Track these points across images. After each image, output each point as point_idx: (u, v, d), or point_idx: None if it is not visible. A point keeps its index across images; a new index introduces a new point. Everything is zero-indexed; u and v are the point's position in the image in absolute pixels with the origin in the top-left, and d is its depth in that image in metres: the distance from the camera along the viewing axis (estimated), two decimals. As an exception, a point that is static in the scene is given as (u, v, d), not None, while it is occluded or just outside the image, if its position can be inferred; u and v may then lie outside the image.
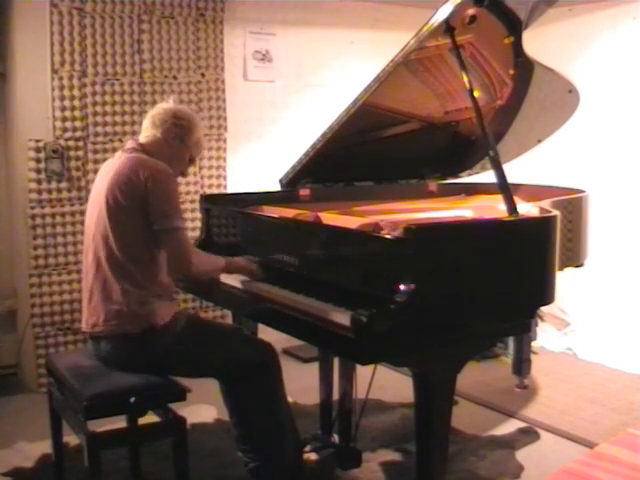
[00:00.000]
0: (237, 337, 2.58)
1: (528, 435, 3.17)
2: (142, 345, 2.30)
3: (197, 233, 3.18)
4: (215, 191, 4.25)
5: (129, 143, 2.48)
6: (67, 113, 3.79)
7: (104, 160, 3.85)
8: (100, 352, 2.38)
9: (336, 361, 2.88)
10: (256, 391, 2.41)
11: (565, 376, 3.98)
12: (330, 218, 2.60)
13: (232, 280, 2.58)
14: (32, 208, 3.74)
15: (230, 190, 4.31)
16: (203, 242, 3.00)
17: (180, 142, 2.47)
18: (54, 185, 3.79)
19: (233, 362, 2.40)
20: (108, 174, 2.37)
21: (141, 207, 2.29)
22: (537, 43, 3.02)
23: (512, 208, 2.29)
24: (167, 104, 2.52)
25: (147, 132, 2.48)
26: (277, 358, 2.49)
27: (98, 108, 3.88)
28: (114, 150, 3.91)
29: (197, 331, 2.43)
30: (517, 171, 3.11)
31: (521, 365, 3.68)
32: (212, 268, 2.50)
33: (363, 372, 2.53)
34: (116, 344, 2.32)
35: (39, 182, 3.75)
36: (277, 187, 3.08)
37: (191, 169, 2.85)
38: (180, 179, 2.70)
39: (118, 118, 3.95)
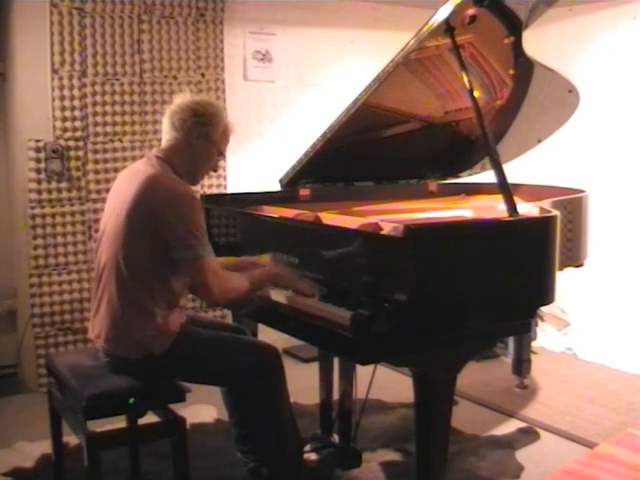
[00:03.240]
0: (238, 344, 2.47)
1: (528, 435, 3.16)
2: (140, 369, 2.25)
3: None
4: (215, 191, 4.24)
5: (154, 151, 2.37)
6: (67, 113, 3.78)
7: (104, 160, 3.91)
8: (100, 359, 2.35)
9: (336, 361, 2.88)
10: (258, 395, 2.38)
11: (565, 376, 3.98)
12: (330, 218, 2.60)
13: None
14: (32, 208, 3.74)
15: (230, 190, 4.31)
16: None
17: (205, 139, 2.32)
18: (54, 185, 3.78)
19: (235, 371, 2.37)
20: (130, 188, 2.24)
21: (157, 235, 2.18)
22: (537, 43, 3.02)
23: (512, 208, 2.29)
24: (184, 98, 2.35)
25: (168, 135, 2.34)
26: (280, 361, 2.45)
27: (98, 108, 3.88)
28: (114, 150, 3.93)
29: (197, 348, 2.33)
30: (517, 171, 3.11)
31: (521, 365, 3.68)
32: (238, 295, 2.30)
33: (363, 372, 2.52)
34: (116, 364, 2.29)
35: (39, 182, 3.74)
36: (277, 187, 3.08)
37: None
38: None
39: (118, 118, 3.94)
